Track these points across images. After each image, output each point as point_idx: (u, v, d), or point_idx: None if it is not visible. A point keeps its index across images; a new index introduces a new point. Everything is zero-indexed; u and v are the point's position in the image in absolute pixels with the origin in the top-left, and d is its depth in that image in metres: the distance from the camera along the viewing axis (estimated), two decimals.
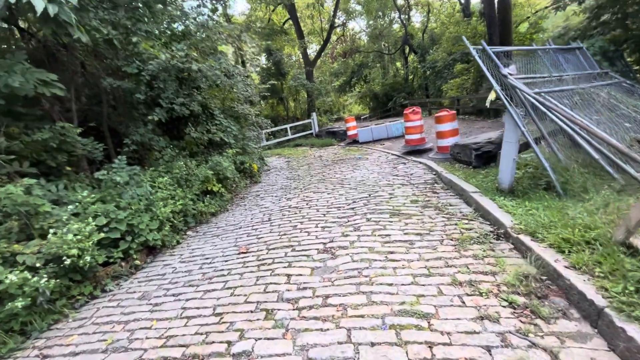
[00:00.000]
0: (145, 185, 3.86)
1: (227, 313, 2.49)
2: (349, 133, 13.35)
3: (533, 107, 3.80)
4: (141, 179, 4.02)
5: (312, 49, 29.42)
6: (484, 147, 5.26)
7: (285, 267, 3.10)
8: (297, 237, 3.83)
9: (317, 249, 3.37)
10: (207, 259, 3.73)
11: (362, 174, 6.84)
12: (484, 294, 2.28)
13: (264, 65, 22.03)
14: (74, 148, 4.16)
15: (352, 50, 32.26)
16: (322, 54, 27.21)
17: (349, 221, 4.09)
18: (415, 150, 8.22)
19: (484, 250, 2.88)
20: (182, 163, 5.06)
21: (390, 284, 2.55)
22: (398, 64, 32.29)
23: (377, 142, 11.75)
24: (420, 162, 6.93)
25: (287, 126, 17.70)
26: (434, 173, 5.88)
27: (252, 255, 3.51)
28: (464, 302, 2.23)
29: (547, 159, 3.66)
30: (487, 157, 5.30)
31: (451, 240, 3.16)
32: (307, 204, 5.22)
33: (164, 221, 4.18)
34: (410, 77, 27.45)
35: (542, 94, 3.77)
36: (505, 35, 12.16)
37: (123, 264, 3.70)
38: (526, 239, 2.76)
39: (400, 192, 5.01)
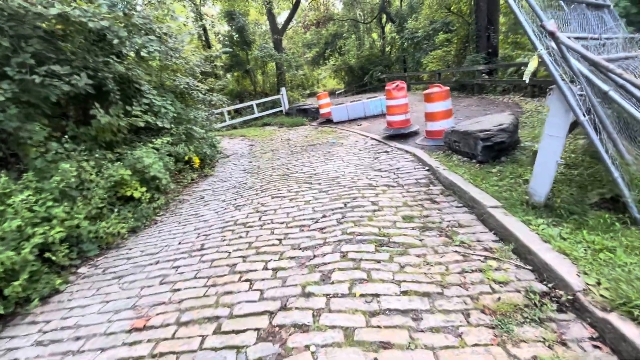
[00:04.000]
0: None
1: None
2: (322, 111, 11.78)
3: (590, 83, 2.48)
4: None
5: (282, 17, 26.71)
6: (496, 136, 3.97)
7: None
8: (231, 292, 2.40)
9: (258, 330, 1.97)
10: (77, 339, 2.23)
11: (336, 167, 5.43)
12: None
13: (225, 32, 19.46)
14: None
15: (325, 19, 29.78)
16: (293, 20, 24.69)
17: (314, 257, 2.71)
18: (399, 135, 6.87)
19: (549, 345, 1.60)
20: (69, 165, 3.39)
21: None
22: (374, 35, 30.30)
23: (353, 122, 10.31)
24: (407, 152, 5.60)
25: (253, 103, 15.73)
26: (427, 168, 4.57)
27: (148, 341, 2.06)
28: None
29: (613, 163, 2.40)
30: (498, 149, 4.03)
31: (483, 312, 1.86)
32: (259, 218, 3.77)
33: (19, 269, 2.60)
34: (388, 49, 25.77)
35: (611, 61, 2.45)
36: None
37: None
38: (632, 332, 1.50)
39: (387, 200, 3.67)
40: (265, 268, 2.66)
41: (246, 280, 2.52)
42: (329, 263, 2.57)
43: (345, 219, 3.34)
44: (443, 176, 4.00)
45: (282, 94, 15.87)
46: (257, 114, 15.55)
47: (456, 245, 2.60)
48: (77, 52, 4.59)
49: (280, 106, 15.99)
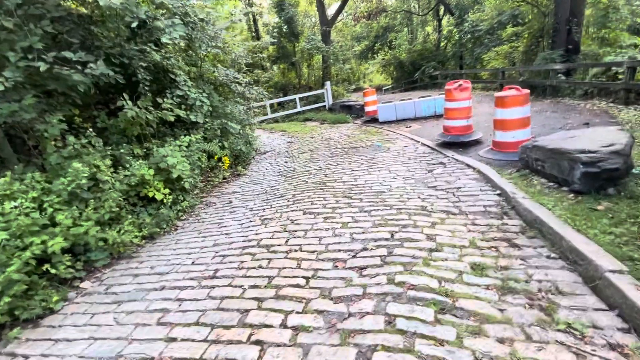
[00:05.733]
0: None
1: None
2: (367, 109, 10.94)
3: None
4: None
5: (332, 9, 25.85)
6: (605, 161, 2.94)
7: None
8: (233, 358, 1.81)
9: None
10: None
11: (381, 178, 4.66)
12: None
13: (274, 24, 19.15)
14: None
15: (377, 10, 28.39)
16: (343, 12, 23.79)
17: (349, 315, 2.03)
18: (457, 143, 5.88)
19: None
20: (81, 165, 3.03)
21: None
22: (429, 28, 28.34)
23: (401, 123, 9.36)
24: (469, 166, 4.65)
25: (296, 97, 15.25)
26: (498, 192, 3.64)
27: None
28: None
29: None
30: (605, 178, 3.00)
31: None
32: (286, 241, 3.16)
33: (2, 289, 2.23)
34: (443, 43, 23.84)
35: None
36: None
37: None
38: None
39: (447, 234, 2.86)
40: (284, 325, 2.02)
41: (256, 343, 1.90)
42: (368, 332, 1.87)
43: (392, 257, 2.60)
44: (523, 207, 3.07)
45: (326, 88, 15.19)
46: (299, 109, 15.07)
47: (560, 331, 1.75)
48: (110, 37, 4.30)
49: (324, 101, 15.34)
